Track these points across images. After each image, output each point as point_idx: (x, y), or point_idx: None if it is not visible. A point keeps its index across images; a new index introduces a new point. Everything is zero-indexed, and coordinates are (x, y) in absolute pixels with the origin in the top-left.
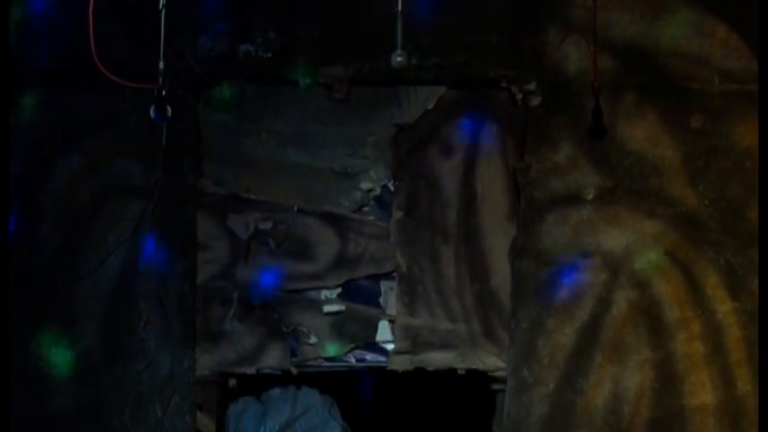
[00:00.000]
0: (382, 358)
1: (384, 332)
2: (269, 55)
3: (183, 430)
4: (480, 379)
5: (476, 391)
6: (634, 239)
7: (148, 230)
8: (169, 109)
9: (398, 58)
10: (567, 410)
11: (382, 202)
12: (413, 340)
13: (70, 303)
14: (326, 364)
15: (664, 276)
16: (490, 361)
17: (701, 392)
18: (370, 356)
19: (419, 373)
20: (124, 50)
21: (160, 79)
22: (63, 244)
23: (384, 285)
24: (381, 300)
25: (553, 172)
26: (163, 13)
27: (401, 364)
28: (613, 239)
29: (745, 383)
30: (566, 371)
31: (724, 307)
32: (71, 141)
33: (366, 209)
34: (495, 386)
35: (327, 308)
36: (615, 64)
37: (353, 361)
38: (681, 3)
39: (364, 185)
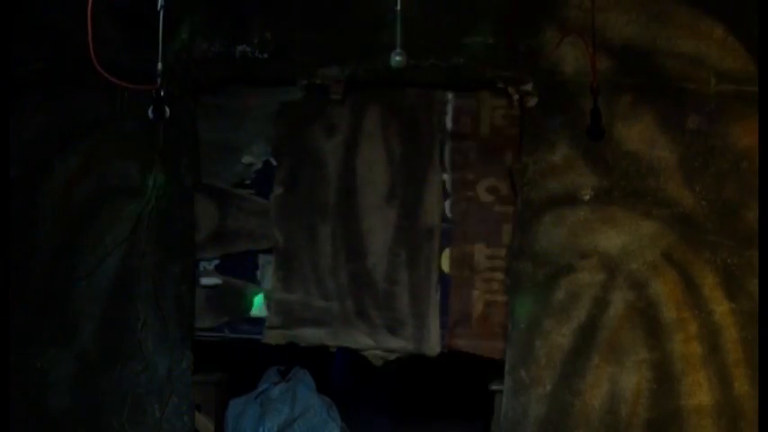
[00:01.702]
0: (258, 331)
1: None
2: (265, 56)
3: (182, 431)
4: (478, 379)
5: (474, 391)
6: (631, 240)
7: (146, 232)
8: (167, 110)
9: (397, 58)
10: (564, 411)
11: (264, 178)
12: (286, 315)
13: (68, 304)
14: (201, 334)
15: (660, 277)
16: (361, 340)
17: (699, 393)
18: (245, 329)
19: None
20: (122, 52)
21: (158, 80)
22: (61, 245)
23: (262, 259)
24: (258, 273)
25: (550, 173)
26: (161, 13)
27: (275, 338)
28: (610, 240)
29: (743, 384)
30: (563, 371)
31: (721, 308)
32: (69, 143)
33: (248, 182)
34: (494, 386)
35: (204, 280)
36: (612, 65)
37: (228, 333)
38: (678, 4)
39: (245, 159)
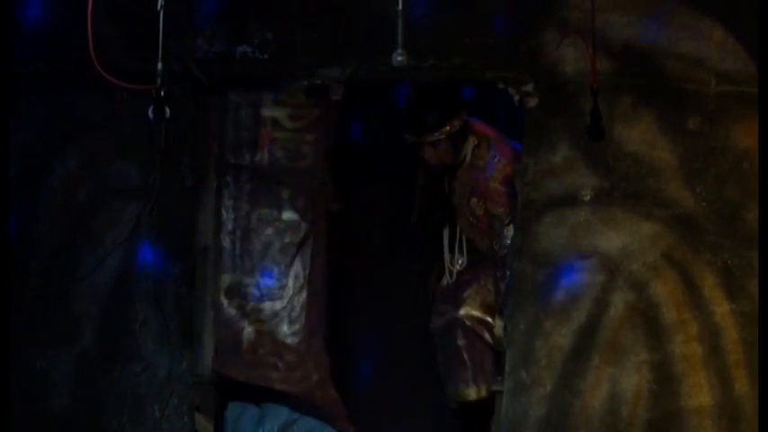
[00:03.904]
0: None
1: None
2: (266, 56)
3: None
4: None
5: None
6: (631, 241)
7: (146, 232)
8: (168, 110)
9: (399, 57)
10: (564, 412)
11: None
12: None
13: (67, 305)
14: None
15: (661, 278)
16: None
17: (699, 394)
18: None
19: None
20: (122, 52)
21: (158, 80)
22: (60, 245)
23: None
24: None
25: (550, 173)
26: (161, 13)
27: None
28: (610, 241)
29: (743, 385)
30: (563, 372)
31: (721, 309)
32: (69, 143)
33: None
34: (494, 387)
35: None
36: (612, 66)
37: None
38: (678, 4)
39: None
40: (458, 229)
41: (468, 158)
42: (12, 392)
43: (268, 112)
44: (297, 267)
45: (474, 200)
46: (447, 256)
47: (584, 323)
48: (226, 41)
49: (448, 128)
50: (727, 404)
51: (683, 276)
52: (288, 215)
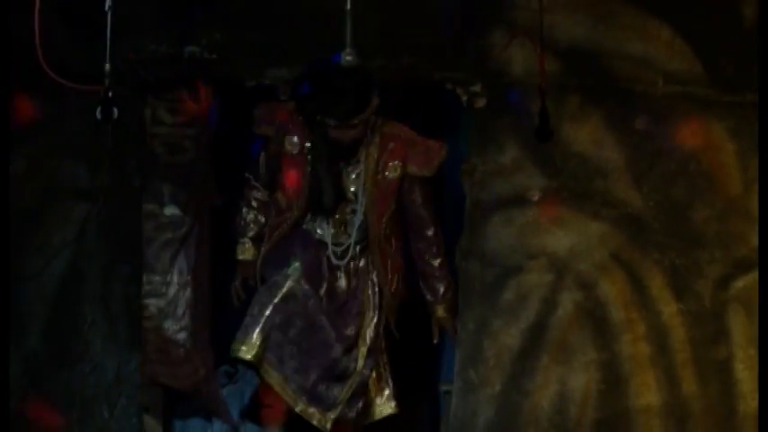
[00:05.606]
0: None
1: None
2: (214, 56)
3: None
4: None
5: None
6: (579, 241)
7: (93, 233)
8: (116, 111)
9: (348, 57)
10: (513, 411)
11: None
12: None
13: (15, 306)
14: None
15: (609, 278)
16: None
17: (647, 393)
18: None
19: None
20: (69, 52)
21: (106, 81)
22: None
23: None
24: None
25: (498, 174)
26: (109, 14)
27: None
28: (558, 241)
29: (690, 384)
30: (511, 372)
31: (669, 308)
32: (15, 143)
33: None
34: (444, 387)
35: None
36: (559, 66)
37: None
38: (625, 5)
39: None
40: (360, 207)
41: (372, 132)
42: None
43: (148, 108)
44: (180, 263)
45: (395, 162)
46: (330, 239)
47: (533, 323)
48: (173, 42)
49: (370, 108)
50: (675, 403)
51: (631, 276)
52: (170, 210)
